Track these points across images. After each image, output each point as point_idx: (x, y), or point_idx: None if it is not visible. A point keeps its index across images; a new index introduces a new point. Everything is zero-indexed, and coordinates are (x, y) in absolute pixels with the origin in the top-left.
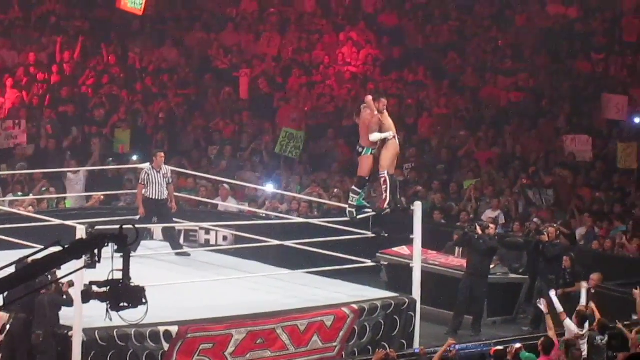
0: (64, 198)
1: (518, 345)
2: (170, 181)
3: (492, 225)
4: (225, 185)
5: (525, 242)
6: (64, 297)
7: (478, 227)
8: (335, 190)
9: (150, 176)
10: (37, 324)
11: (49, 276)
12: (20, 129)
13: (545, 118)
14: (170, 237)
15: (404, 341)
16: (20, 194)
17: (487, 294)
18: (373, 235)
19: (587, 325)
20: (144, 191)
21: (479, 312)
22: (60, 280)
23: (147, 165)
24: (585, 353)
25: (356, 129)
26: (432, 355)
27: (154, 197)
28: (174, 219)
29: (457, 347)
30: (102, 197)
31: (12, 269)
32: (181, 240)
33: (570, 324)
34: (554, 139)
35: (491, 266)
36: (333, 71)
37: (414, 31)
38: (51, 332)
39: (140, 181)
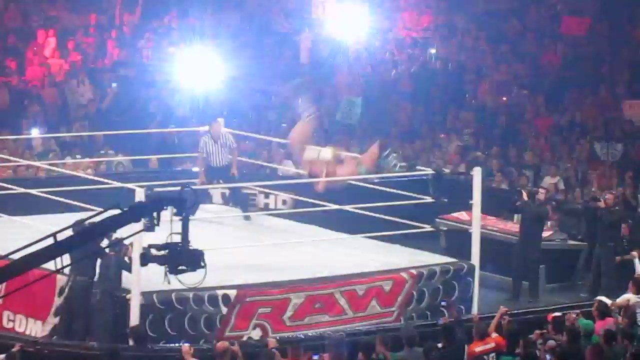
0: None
1: (576, 312)
2: (233, 146)
3: (541, 191)
4: (281, 149)
5: (583, 209)
6: (126, 260)
7: (524, 193)
8: (394, 155)
9: (208, 145)
10: (98, 284)
11: (108, 239)
12: (85, 86)
13: (604, 84)
14: (241, 200)
15: (461, 306)
16: (79, 156)
17: (540, 260)
18: (432, 200)
19: None
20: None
21: (534, 278)
22: (125, 243)
23: (205, 133)
24: None
25: (416, 95)
26: (488, 322)
27: (214, 165)
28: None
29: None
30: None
31: (70, 232)
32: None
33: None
34: (613, 105)
35: (546, 232)
36: (393, 36)
37: None
38: (110, 293)
39: (199, 149)
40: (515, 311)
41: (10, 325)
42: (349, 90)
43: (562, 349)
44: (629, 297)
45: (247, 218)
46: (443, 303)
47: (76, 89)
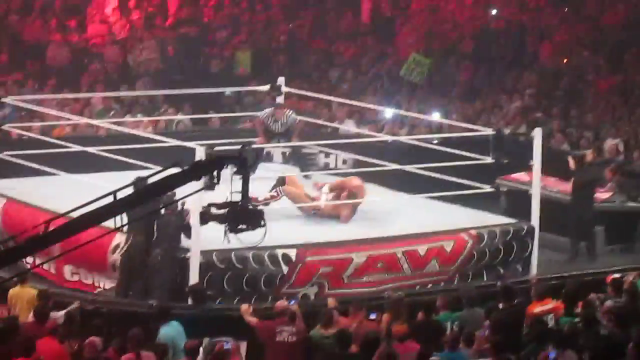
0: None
1: (633, 274)
2: (295, 122)
3: (588, 152)
4: (343, 108)
5: (637, 172)
6: (187, 223)
7: (571, 161)
8: (454, 115)
9: (269, 120)
10: (157, 243)
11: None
12: (146, 44)
13: None
14: (300, 160)
15: (519, 267)
16: (139, 114)
17: (593, 221)
18: (493, 160)
19: None
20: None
21: (590, 238)
22: (185, 207)
23: (268, 110)
24: None
25: (477, 56)
26: (547, 283)
27: (274, 130)
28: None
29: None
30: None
31: (130, 190)
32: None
33: None
34: None
35: (606, 194)
36: None
37: None
38: (170, 253)
39: (260, 117)
40: (574, 272)
41: (76, 277)
42: (413, 48)
43: (620, 310)
44: None
45: (306, 177)
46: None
47: (138, 47)
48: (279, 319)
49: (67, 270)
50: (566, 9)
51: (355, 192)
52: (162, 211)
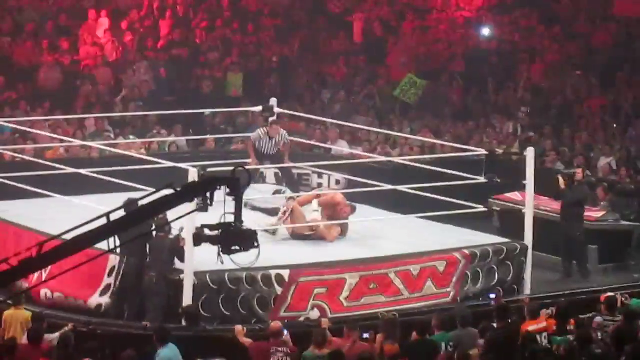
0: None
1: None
2: (287, 141)
3: (578, 171)
4: (336, 129)
5: (635, 189)
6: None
7: (561, 180)
8: (446, 136)
9: (262, 140)
10: (151, 267)
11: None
12: (139, 66)
13: None
14: (291, 181)
15: (515, 286)
16: (131, 136)
17: (583, 241)
18: (485, 180)
19: None
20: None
21: (581, 257)
22: (178, 236)
23: (260, 130)
24: None
25: (469, 75)
26: (540, 302)
27: (265, 153)
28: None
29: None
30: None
31: (122, 212)
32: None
33: None
34: None
35: (599, 213)
36: (446, 16)
37: None
38: (164, 276)
39: (252, 137)
40: (567, 292)
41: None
42: (404, 68)
43: (618, 329)
44: None
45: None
46: (492, 295)
47: (130, 70)
48: (273, 340)
49: (42, 294)
50: (557, 28)
51: (342, 209)
52: (155, 234)
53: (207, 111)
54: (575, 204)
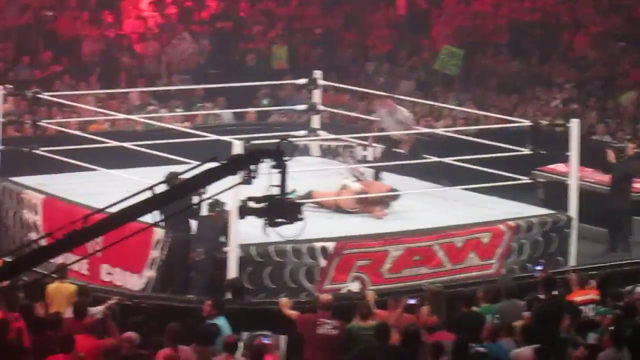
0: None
1: None
2: (410, 122)
3: (631, 145)
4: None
5: None
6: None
7: (610, 154)
8: (491, 107)
9: (384, 119)
10: (199, 242)
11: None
12: (184, 39)
13: None
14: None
15: (560, 258)
16: (178, 109)
17: (629, 212)
18: (530, 152)
19: None
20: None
21: (624, 230)
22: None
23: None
24: None
25: (515, 49)
26: (587, 273)
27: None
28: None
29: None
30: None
31: (165, 185)
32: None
33: None
34: None
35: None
36: None
37: None
38: (212, 253)
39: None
40: (611, 263)
41: (109, 278)
42: (448, 40)
43: None
44: None
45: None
46: (538, 267)
47: (175, 42)
48: (321, 312)
49: (103, 269)
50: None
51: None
52: (204, 211)
53: (264, 102)
54: (624, 177)
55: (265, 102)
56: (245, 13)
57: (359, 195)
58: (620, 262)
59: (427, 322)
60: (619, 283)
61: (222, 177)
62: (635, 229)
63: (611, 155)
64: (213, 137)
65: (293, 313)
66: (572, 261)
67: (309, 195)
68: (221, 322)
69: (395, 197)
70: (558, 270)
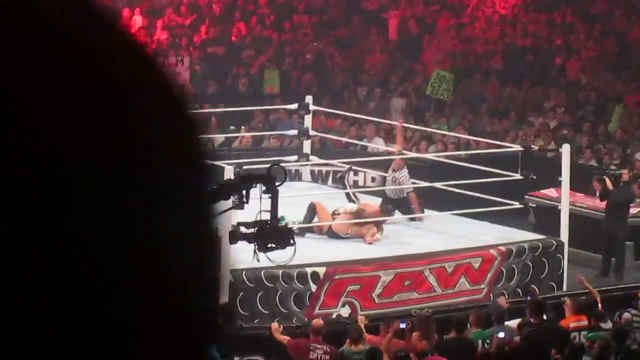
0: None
1: None
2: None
3: (624, 172)
4: (372, 126)
5: None
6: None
7: (608, 181)
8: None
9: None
10: None
11: None
12: (183, 66)
13: None
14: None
15: (553, 284)
16: None
17: (625, 238)
18: (521, 177)
19: None
20: None
21: (619, 255)
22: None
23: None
24: None
25: (507, 74)
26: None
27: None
28: None
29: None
30: (250, 138)
31: None
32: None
33: None
34: None
35: (635, 209)
36: (482, 13)
37: None
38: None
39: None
40: (604, 288)
41: None
42: (439, 65)
43: None
44: None
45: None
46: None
47: (175, 66)
48: (312, 337)
49: None
50: (593, 25)
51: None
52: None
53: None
54: (621, 204)
55: (232, 127)
56: (237, 38)
57: (352, 221)
58: (612, 287)
59: (418, 347)
60: (611, 308)
61: (214, 202)
62: (627, 254)
63: (608, 183)
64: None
65: (284, 338)
66: (564, 286)
67: (311, 207)
68: (212, 350)
69: (386, 221)
70: (549, 295)
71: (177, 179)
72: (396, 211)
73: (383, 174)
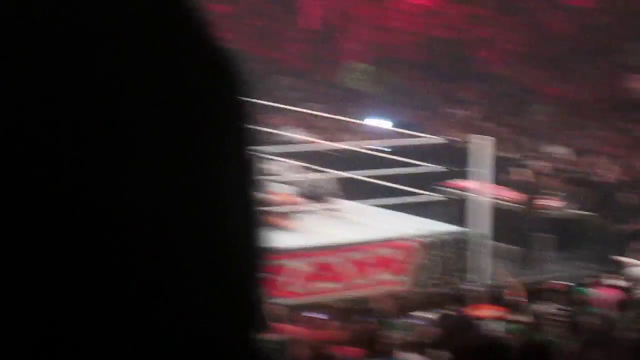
0: None
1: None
2: None
3: (545, 164)
4: (292, 115)
5: (591, 179)
6: None
7: (527, 172)
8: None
9: None
10: None
11: None
12: None
13: (613, 56)
14: None
15: (472, 275)
16: None
17: (543, 230)
18: (440, 168)
19: None
20: None
21: (538, 247)
22: None
23: None
24: None
25: (428, 65)
26: (496, 290)
27: None
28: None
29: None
30: None
31: None
32: None
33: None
34: (622, 78)
35: (555, 202)
36: (404, 5)
37: None
38: None
39: None
40: (522, 280)
41: None
42: (360, 56)
43: (570, 317)
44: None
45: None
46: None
47: None
48: None
49: None
50: (512, 18)
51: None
52: None
53: None
54: (537, 195)
55: None
56: None
57: (267, 209)
58: (531, 279)
59: (334, 337)
60: (530, 300)
61: None
62: (545, 245)
63: (526, 174)
64: None
65: None
66: (483, 277)
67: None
68: None
69: (304, 210)
70: (468, 286)
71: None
72: (314, 201)
73: (302, 164)
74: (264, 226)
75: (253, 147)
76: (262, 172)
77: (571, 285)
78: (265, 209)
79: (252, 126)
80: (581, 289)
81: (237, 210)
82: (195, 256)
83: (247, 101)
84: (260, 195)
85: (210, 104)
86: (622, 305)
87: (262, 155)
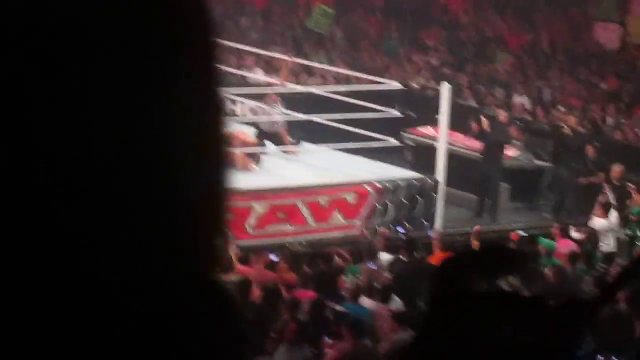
0: None
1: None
2: None
3: (502, 113)
4: (252, 56)
5: (549, 130)
6: None
7: (483, 121)
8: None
9: None
10: None
11: None
12: None
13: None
14: None
15: (425, 221)
16: None
17: (501, 179)
18: (399, 114)
19: (613, 215)
20: None
21: (494, 196)
22: None
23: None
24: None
25: (390, 10)
26: (452, 238)
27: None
28: None
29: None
30: None
31: None
32: None
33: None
34: (584, 26)
35: (512, 151)
36: None
37: None
38: None
39: None
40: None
41: None
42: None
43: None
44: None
45: None
46: (400, 229)
47: None
48: None
49: None
50: None
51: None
52: None
53: None
54: (496, 144)
55: None
56: None
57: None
58: (485, 228)
59: (287, 279)
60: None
61: None
62: (502, 195)
63: (485, 123)
64: None
65: None
66: (437, 225)
67: None
68: None
69: (261, 151)
70: (422, 233)
71: None
72: (270, 143)
73: (261, 105)
74: (227, 166)
75: (219, 88)
76: (225, 113)
77: (524, 236)
78: (228, 149)
79: (217, 67)
80: (538, 238)
81: (202, 150)
82: (159, 194)
83: (215, 42)
84: (224, 136)
85: (180, 46)
86: (573, 257)
87: (225, 96)
